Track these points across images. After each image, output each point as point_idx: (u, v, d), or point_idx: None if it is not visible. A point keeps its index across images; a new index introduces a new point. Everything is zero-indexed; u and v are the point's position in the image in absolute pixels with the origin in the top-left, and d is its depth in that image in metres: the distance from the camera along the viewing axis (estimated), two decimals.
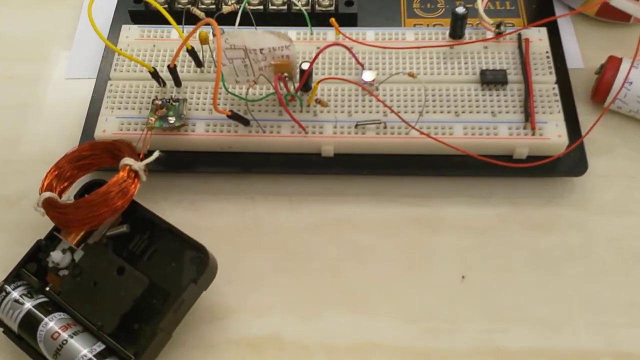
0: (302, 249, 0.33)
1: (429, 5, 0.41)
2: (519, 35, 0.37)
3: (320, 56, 0.35)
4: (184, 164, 0.35)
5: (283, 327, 0.31)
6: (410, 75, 0.34)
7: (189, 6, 0.38)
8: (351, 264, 0.33)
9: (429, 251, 0.33)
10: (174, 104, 0.34)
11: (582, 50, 0.39)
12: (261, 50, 0.32)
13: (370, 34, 0.37)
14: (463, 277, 0.32)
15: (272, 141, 0.34)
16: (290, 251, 0.33)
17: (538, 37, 0.37)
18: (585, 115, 0.36)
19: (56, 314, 0.29)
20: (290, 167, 0.35)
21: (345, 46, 0.34)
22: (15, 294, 0.29)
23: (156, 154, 0.32)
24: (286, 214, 0.34)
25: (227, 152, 0.35)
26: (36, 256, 0.31)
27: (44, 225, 0.32)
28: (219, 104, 0.34)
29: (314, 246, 0.33)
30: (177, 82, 0.35)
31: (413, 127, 0.32)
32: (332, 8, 0.38)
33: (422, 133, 0.32)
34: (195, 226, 0.32)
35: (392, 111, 0.32)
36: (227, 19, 0.34)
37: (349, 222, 0.34)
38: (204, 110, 0.35)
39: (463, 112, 0.34)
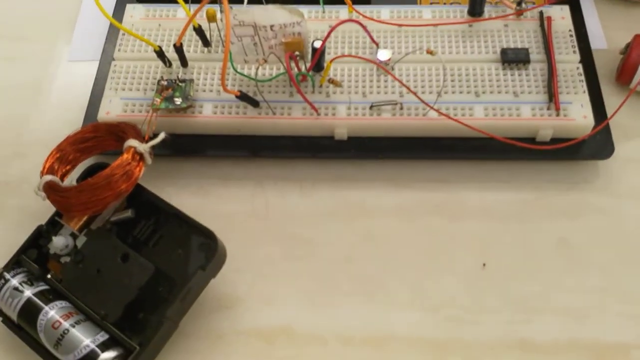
0: (314, 235, 0.32)
1: None
2: (541, 13, 0.35)
3: (332, 35, 0.33)
4: (190, 147, 0.33)
5: (295, 317, 0.30)
6: (429, 52, 0.33)
7: None
8: (366, 252, 0.31)
9: (448, 238, 0.31)
10: (180, 84, 0.33)
11: (605, 30, 0.38)
12: (271, 27, 0.30)
13: (385, 11, 0.35)
14: (484, 265, 0.30)
15: (282, 123, 0.33)
16: (301, 238, 0.32)
17: (560, 15, 0.35)
18: (610, 97, 0.34)
19: (57, 303, 0.28)
20: (302, 151, 0.33)
21: (359, 23, 0.33)
22: (14, 282, 0.28)
23: (162, 135, 0.30)
24: (297, 200, 0.33)
25: (235, 135, 0.33)
26: (37, 242, 0.30)
27: (45, 210, 0.31)
28: (227, 85, 0.33)
29: (326, 233, 0.32)
30: (184, 62, 0.34)
31: (432, 108, 0.31)
32: None
33: (441, 114, 0.31)
34: (203, 212, 0.30)
35: (411, 91, 0.31)
36: None
37: (363, 208, 0.32)
38: (211, 91, 0.33)
39: (483, 92, 0.33)
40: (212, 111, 0.33)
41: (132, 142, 0.29)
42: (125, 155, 0.29)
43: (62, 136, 0.31)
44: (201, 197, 0.33)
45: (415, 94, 0.31)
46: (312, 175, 0.33)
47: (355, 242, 0.31)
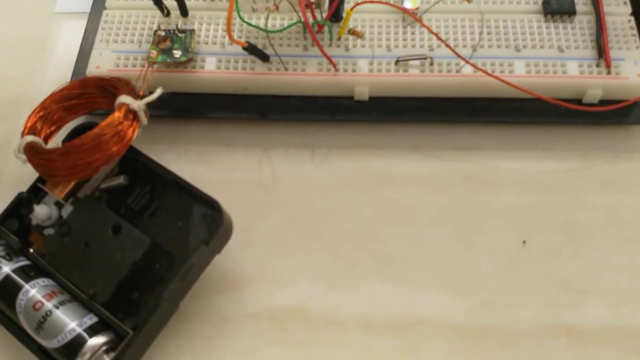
0: (330, 208, 0.28)
1: None
2: None
3: None
4: (191, 108, 0.30)
5: (310, 299, 0.26)
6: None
7: None
8: (389, 227, 0.28)
9: (483, 212, 0.28)
10: (179, 35, 0.29)
11: None
12: None
13: None
14: (524, 242, 0.27)
15: (295, 81, 0.29)
16: (316, 211, 0.28)
17: None
18: None
19: (39, 280, 0.24)
20: (317, 113, 0.30)
21: None
22: None
23: (159, 91, 0.26)
24: (311, 168, 0.29)
25: (241, 94, 0.30)
26: (17, 212, 0.26)
27: (28, 177, 0.27)
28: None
29: (344, 206, 0.28)
30: (184, 11, 0.30)
31: (468, 62, 0.27)
32: None
33: (479, 69, 0.27)
34: (205, 181, 0.26)
35: (445, 43, 0.27)
36: None
37: (386, 178, 0.29)
38: (214, 44, 0.30)
39: (524, 46, 0.29)
40: (216, 66, 0.29)
41: (124, 99, 0.26)
42: (116, 114, 0.25)
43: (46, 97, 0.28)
44: (203, 165, 0.30)
45: (450, 46, 0.27)
46: (328, 141, 0.30)
47: (377, 217, 0.28)
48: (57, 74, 0.32)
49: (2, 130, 0.31)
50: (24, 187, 0.27)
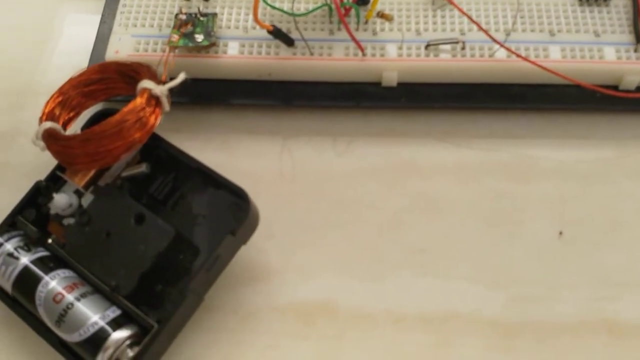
0: (356, 198, 0.27)
1: None
2: None
3: None
4: (213, 94, 0.29)
5: (337, 292, 0.25)
6: None
7: None
8: (419, 218, 0.27)
9: (517, 202, 0.27)
10: (201, 19, 0.28)
11: None
12: None
13: None
14: (561, 233, 0.26)
15: (321, 66, 0.28)
16: (342, 201, 0.27)
17: None
18: None
19: (59, 272, 0.23)
20: (343, 100, 0.28)
21: None
22: (8, 247, 0.24)
23: (182, 76, 0.25)
24: (336, 157, 0.28)
25: (265, 80, 0.29)
26: (35, 201, 0.25)
27: (45, 165, 0.26)
28: None
29: (371, 196, 0.27)
30: None
31: (503, 46, 0.26)
32: None
33: (514, 53, 0.26)
34: (227, 169, 0.25)
35: (478, 26, 0.26)
36: None
37: (415, 167, 0.28)
38: (237, 28, 0.29)
39: (559, 31, 0.28)
40: (239, 51, 0.28)
41: (146, 84, 0.25)
42: (138, 99, 0.24)
43: (62, 83, 0.27)
44: (225, 152, 0.29)
45: (484, 30, 0.26)
46: (354, 128, 0.29)
47: (406, 207, 0.27)
48: (73, 60, 0.31)
49: (18, 118, 0.30)
50: (32, 176, 0.26)
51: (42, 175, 0.26)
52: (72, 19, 0.33)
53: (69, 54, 0.32)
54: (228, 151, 0.29)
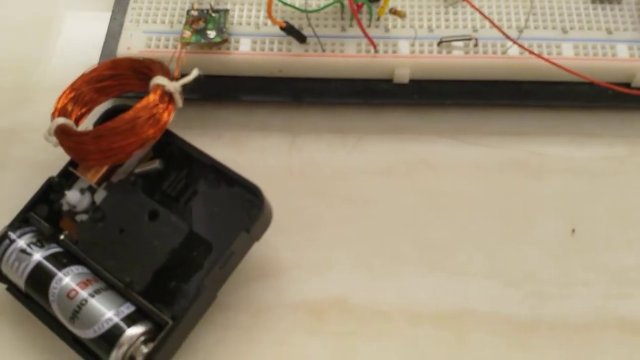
0: (368, 195, 0.27)
1: None
2: None
3: None
4: (224, 91, 0.29)
5: (350, 289, 0.25)
6: None
7: None
8: (432, 215, 0.27)
9: (529, 200, 0.27)
10: (213, 15, 0.28)
11: None
12: None
13: None
14: (573, 230, 0.26)
15: (333, 62, 0.28)
16: (354, 198, 0.27)
17: None
18: None
19: (73, 268, 0.23)
20: (354, 97, 0.28)
21: None
22: (21, 243, 0.24)
23: (195, 72, 0.25)
24: (348, 154, 0.28)
25: (276, 77, 0.29)
26: (47, 197, 0.25)
27: (56, 162, 0.26)
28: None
29: (383, 193, 0.27)
30: None
31: (516, 43, 0.26)
32: None
33: (527, 50, 0.26)
34: (238, 166, 0.25)
35: (492, 23, 0.26)
36: None
37: (427, 165, 0.28)
38: (249, 24, 0.29)
39: (571, 28, 0.28)
40: (251, 47, 0.28)
41: (160, 80, 0.25)
42: (152, 96, 0.24)
43: (73, 79, 0.26)
44: (236, 149, 0.28)
45: (497, 26, 0.26)
46: (365, 125, 0.29)
47: (418, 204, 0.27)
48: (83, 56, 0.31)
49: (28, 114, 0.30)
50: (54, 172, 0.26)
51: (51, 171, 0.26)
52: (81, 16, 0.33)
53: (79, 50, 0.32)
54: (238, 148, 0.29)
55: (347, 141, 0.29)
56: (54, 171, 0.26)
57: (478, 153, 0.28)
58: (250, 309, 0.25)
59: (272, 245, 0.26)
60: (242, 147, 0.29)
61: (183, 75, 0.26)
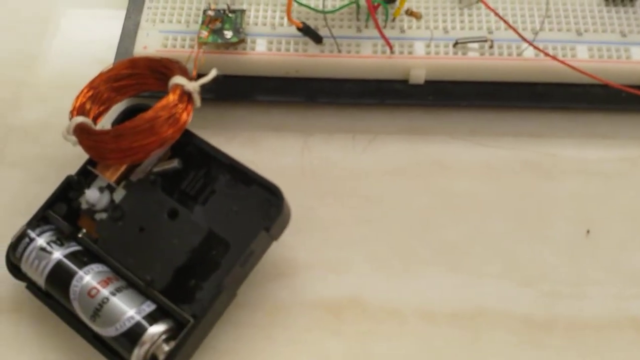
0: (383, 195, 0.27)
1: None
2: None
3: None
4: (240, 91, 0.29)
5: (366, 288, 0.25)
6: None
7: None
8: (446, 215, 0.27)
9: (544, 201, 0.27)
10: (230, 15, 0.28)
11: None
12: None
13: None
14: (588, 231, 0.26)
15: (348, 63, 0.28)
16: (369, 198, 0.27)
17: None
18: None
19: (93, 266, 0.23)
20: (369, 97, 0.28)
21: None
22: (41, 241, 0.24)
23: (214, 73, 0.25)
24: (362, 154, 0.28)
25: (292, 77, 0.29)
26: (66, 195, 0.25)
27: (72, 160, 0.26)
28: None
29: (398, 193, 0.27)
30: None
31: (532, 45, 0.26)
32: None
33: (543, 52, 0.26)
34: (254, 165, 0.25)
35: (508, 24, 0.26)
36: None
37: (441, 165, 0.28)
38: (265, 25, 0.29)
39: (586, 30, 0.28)
40: (267, 47, 0.28)
41: (179, 80, 0.25)
42: (171, 96, 0.24)
43: (86, 77, 0.27)
44: (251, 149, 0.29)
45: (513, 28, 0.26)
46: (381, 126, 0.29)
47: (432, 205, 0.27)
48: (97, 53, 0.31)
49: (42, 112, 0.30)
50: (70, 171, 0.26)
51: (65, 169, 0.26)
52: (95, 13, 0.33)
53: (92, 49, 0.32)
54: (253, 147, 0.29)
55: (360, 141, 0.29)
56: (68, 169, 0.26)
57: (492, 154, 0.28)
58: (266, 307, 0.25)
59: (287, 244, 0.26)
60: (257, 147, 0.29)
61: (200, 75, 0.26)
